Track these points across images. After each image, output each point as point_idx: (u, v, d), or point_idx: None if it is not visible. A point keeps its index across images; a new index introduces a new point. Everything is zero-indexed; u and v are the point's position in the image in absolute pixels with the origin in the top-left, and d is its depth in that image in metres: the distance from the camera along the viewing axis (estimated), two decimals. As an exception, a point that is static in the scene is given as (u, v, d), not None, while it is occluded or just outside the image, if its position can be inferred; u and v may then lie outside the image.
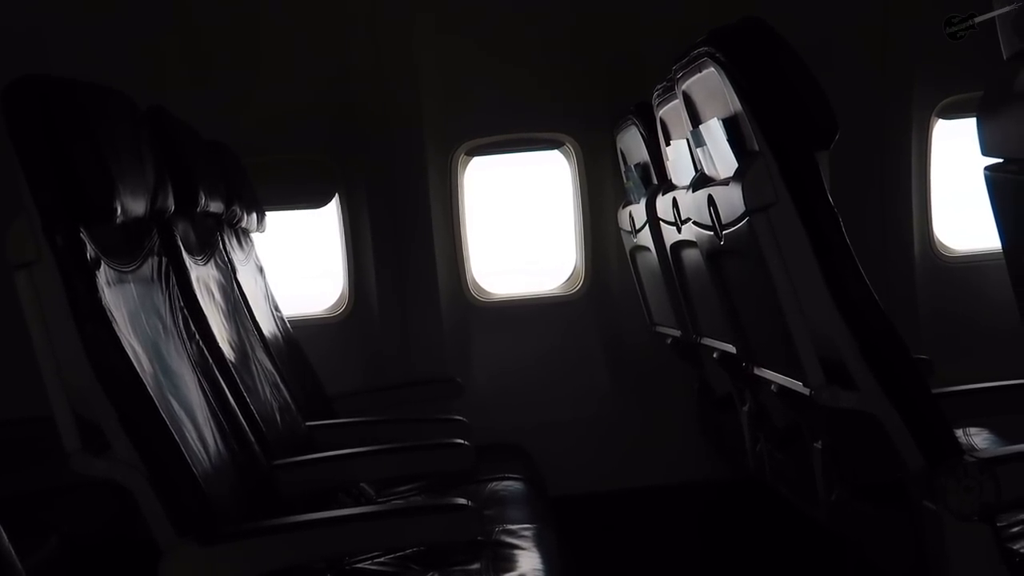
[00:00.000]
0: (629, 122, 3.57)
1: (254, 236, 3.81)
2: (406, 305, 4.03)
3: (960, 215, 4.13)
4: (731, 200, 2.27)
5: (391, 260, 4.01)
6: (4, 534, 1.51)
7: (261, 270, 3.79)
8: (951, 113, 3.97)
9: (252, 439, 2.62)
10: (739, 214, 2.24)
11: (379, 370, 4.02)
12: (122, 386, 2.01)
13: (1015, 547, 2.26)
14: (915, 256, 4.03)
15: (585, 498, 3.96)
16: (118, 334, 2.05)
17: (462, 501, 2.03)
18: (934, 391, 2.83)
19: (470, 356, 4.06)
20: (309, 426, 3.29)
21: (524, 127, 4.01)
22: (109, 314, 2.06)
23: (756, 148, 2.19)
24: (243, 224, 3.60)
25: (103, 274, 2.11)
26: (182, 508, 1.99)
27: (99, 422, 2.02)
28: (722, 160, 2.37)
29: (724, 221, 2.38)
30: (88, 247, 2.08)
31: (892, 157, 3.99)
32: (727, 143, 2.30)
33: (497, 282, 4.16)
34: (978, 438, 3.21)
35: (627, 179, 3.74)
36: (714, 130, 2.35)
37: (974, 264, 3.94)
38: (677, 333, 3.56)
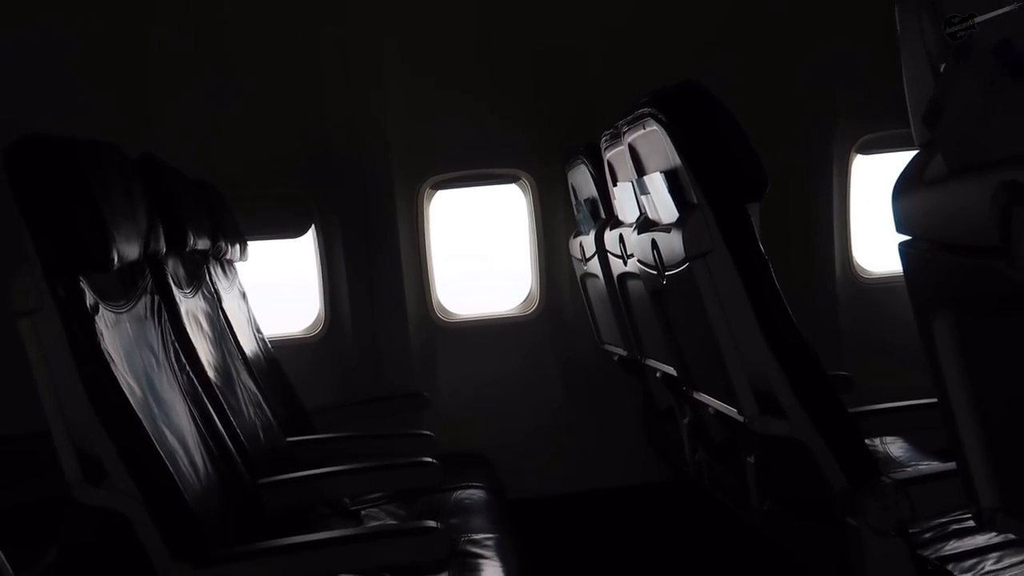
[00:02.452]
0: (579, 161, 3.59)
1: (237, 265, 3.80)
2: (377, 326, 4.03)
3: (876, 239, 4.18)
4: (672, 246, 2.29)
5: (363, 285, 4.01)
6: None
7: (244, 295, 3.78)
8: (868, 149, 4.03)
9: (238, 460, 2.62)
10: (680, 259, 2.27)
11: (353, 386, 4.02)
12: (119, 422, 2.01)
13: (926, 554, 2.32)
14: (837, 278, 4.07)
15: (542, 500, 3.98)
16: (115, 373, 2.05)
17: (432, 524, 2.05)
18: (856, 409, 2.90)
19: (436, 372, 4.06)
20: (290, 442, 3.28)
21: (483, 164, 4.02)
22: (107, 355, 2.07)
23: (694, 200, 2.21)
24: (227, 256, 3.60)
25: (101, 318, 2.11)
26: (176, 534, 2.00)
27: (98, 455, 2.03)
28: (664, 208, 2.40)
29: (666, 263, 2.41)
30: (87, 294, 2.08)
31: (816, 189, 4.03)
32: (668, 194, 2.33)
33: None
34: (893, 447, 3.27)
35: (578, 212, 3.76)
36: (657, 182, 2.38)
37: (889, 285, 3.99)
38: (623, 352, 3.57)
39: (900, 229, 1.36)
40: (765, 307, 2.17)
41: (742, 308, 2.17)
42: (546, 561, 3.92)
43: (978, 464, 1.36)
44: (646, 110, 2.31)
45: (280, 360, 3.79)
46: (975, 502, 1.39)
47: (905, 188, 1.33)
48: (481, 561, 2.60)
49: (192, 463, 2.31)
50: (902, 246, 1.36)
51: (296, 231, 4.05)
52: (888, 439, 3.23)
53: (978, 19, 1.76)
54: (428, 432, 3.43)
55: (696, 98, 2.22)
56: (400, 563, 2.29)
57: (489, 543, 2.75)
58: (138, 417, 2.04)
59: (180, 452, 2.26)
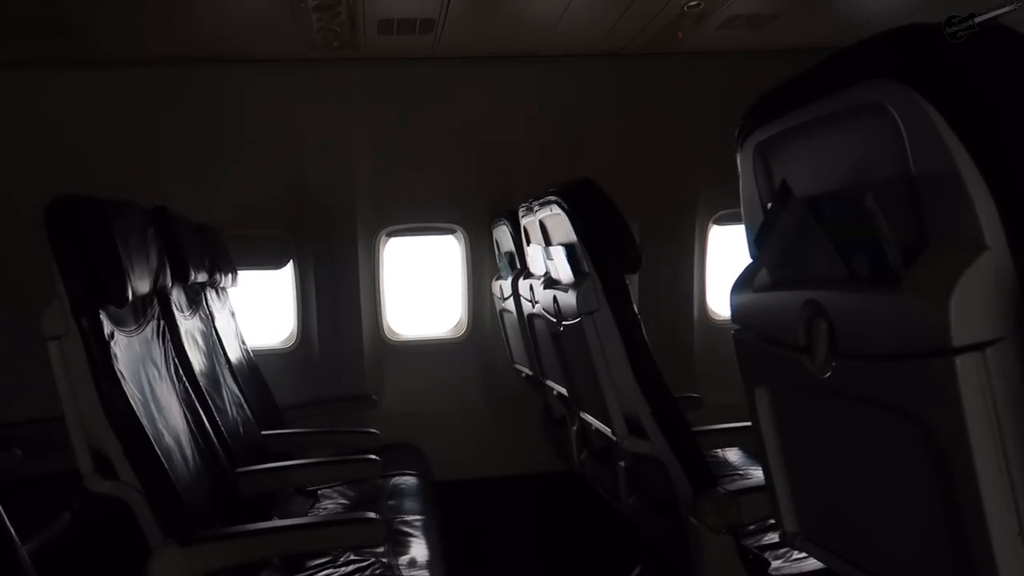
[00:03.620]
0: (502, 222, 3.61)
1: (229, 290, 3.76)
2: (338, 341, 4.00)
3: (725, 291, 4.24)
4: (569, 303, 2.32)
5: (328, 309, 3.99)
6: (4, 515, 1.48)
7: (233, 314, 3.73)
8: (722, 222, 4.10)
9: (221, 453, 2.58)
10: (574, 313, 2.29)
11: (317, 387, 3.98)
12: (126, 427, 1.99)
13: (748, 543, 2.37)
14: (695, 320, 4.13)
15: (462, 483, 3.98)
16: (124, 387, 2.02)
17: (373, 516, 2.04)
18: (702, 428, 2.96)
19: (383, 379, 4.04)
20: (264, 435, 3.24)
21: (427, 219, 4.02)
22: (119, 373, 2.03)
23: (587, 270, 2.24)
24: (221, 284, 3.55)
25: (115, 343, 2.08)
26: (167, 518, 1.97)
27: (107, 453, 2.00)
28: (564, 272, 2.42)
29: (563, 315, 2.43)
30: (105, 324, 2.05)
31: (682, 251, 4.10)
32: (567, 262, 2.36)
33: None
34: (731, 455, 3.32)
35: (499, 261, 3.78)
36: (559, 252, 2.41)
37: (732, 327, 4.07)
38: (529, 372, 3.59)
39: (734, 320, 1.40)
40: (636, 355, 2.21)
41: (619, 355, 2.21)
42: (463, 534, 3.93)
43: (784, 498, 1.41)
44: (554, 198, 2.34)
45: (260, 366, 3.75)
46: (781, 526, 1.43)
47: (739, 290, 1.37)
48: (411, 539, 2.59)
49: (183, 457, 2.28)
50: (735, 333, 1.40)
51: (278, 264, 4.01)
52: (728, 450, 3.28)
53: (978, 19, 1.76)
54: (374, 430, 3.43)
55: (591, 193, 2.25)
56: (347, 546, 2.30)
57: (418, 524, 2.74)
58: (141, 424, 2.01)
59: (174, 449, 2.23)
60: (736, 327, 1.39)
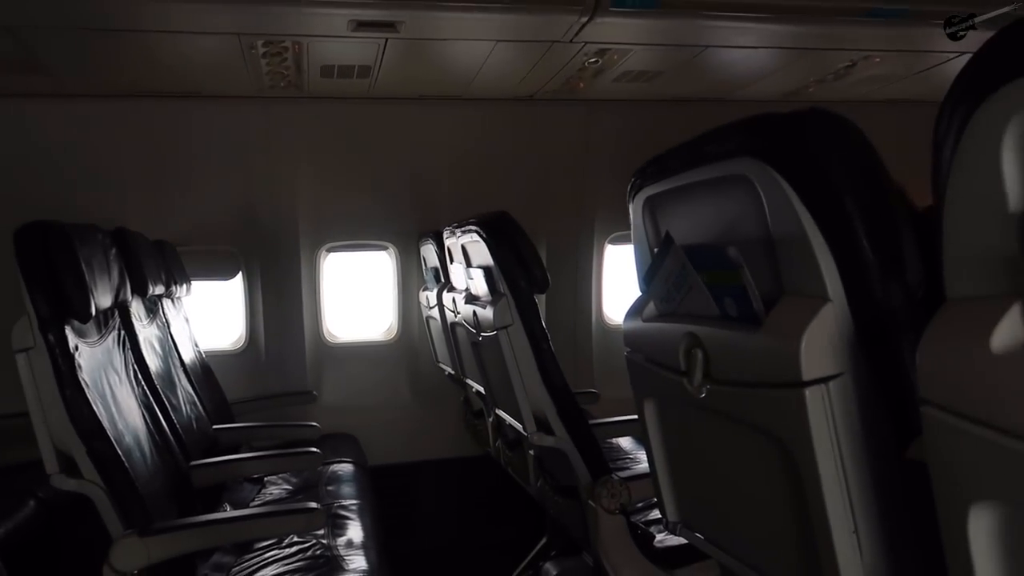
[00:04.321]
0: (428, 240, 3.60)
1: (184, 299, 3.64)
2: (282, 344, 3.91)
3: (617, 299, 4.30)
4: (486, 318, 2.32)
5: (274, 315, 3.89)
6: None
7: (187, 320, 3.62)
8: (616, 242, 4.16)
9: (176, 449, 2.50)
10: (491, 327, 2.30)
11: (263, 385, 3.89)
12: (89, 432, 1.91)
13: (637, 519, 2.42)
14: (593, 323, 4.19)
15: (394, 467, 3.95)
16: (88, 394, 1.95)
17: (314, 505, 2.01)
18: (600, 420, 3.01)
19: (322, 377, 3.97)
20: (215, 429, 3.16)
21: (362, 237, 3.96)
22: (83, 381, 1.96)
23: (502, 290, 2.25)
24: (177, 294, 3.44)
25: (79, 354, 2.00)
26: (128, 511, 1.91)
27: (72, 454, 1.92)
28: (482, 290, 2.43)
29: (482, 328, 2.43)
30: (70, 337, 1.97)
31: (581, 266, 4.15)
32: (485, 283, 2.37)
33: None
34: (624, 442, 3.39)
35: (425, 274, 3.77)
36: (478, 273, 2.42)
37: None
38: (451, 371, 3.59)
39: (626, 343, 1.43)
40: (544, 363, 2.23)
41: (529, 363, 2.23)
42: (395, 512, 3.91)
43: (667, 492, 1.45)
44: (474, 227, 2.35)
45: (212, 366, 3.65)
46: (664, 515, 1.48)
47: (631, 318, 1.41)
48: (348, 522, 2.56)
49: (142, 455, 2.21)
50: (627, 354, 1.43)
51: (228, 276, 3.90)
52: (621, 439, 3.34)
53: (978, 19, 1.73)
54: (315, 423, 3.38)
55: (507, 224, 2.26)
56: (291, 533, 2.26)
57: (354, 508, 2.71)
58: (103, 427, 1.94)
59: (134, 447, 2.16)
60: (628, 349, 1.42)
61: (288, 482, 3.11)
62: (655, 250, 1.32)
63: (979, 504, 0.72)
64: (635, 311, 1.40)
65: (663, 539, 2.27)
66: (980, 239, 0.71)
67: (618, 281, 4.22)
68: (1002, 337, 0.68)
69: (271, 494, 2.99)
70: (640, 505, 2.54)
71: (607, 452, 3.15)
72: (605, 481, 2.17)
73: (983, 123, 0.68)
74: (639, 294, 1.43)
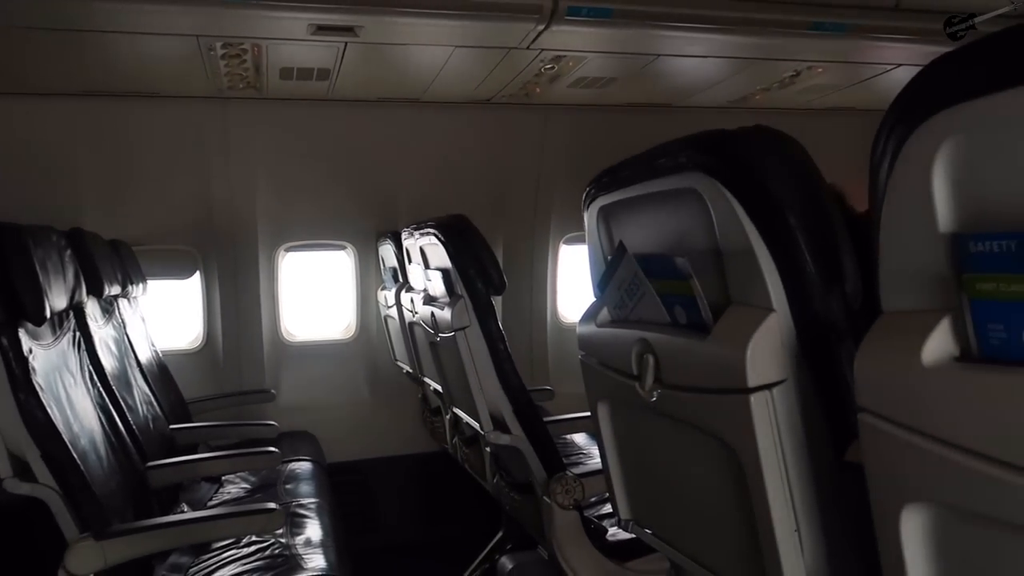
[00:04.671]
0: (387, 240, 3.58)
1: (140, 298, 3.56)
2: (240, 342, 3.86)
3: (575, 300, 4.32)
4: (444, 319, 2.32)
5: (231, 314, 3.83)
6: None
7: (143, 319, 3.54)
8: (571, 242, 4.18)
9: (132, 450, 2.45)
10: (448, 328, 2.29)
11: (221, 384, 3.83)
12: (43, 435, 1.86)
13: (590, 514, 2.45)
14: (548, 323, 4.21)
15: (352, 463, 3.93)
16: (42, 397, 1.90)
17: (272, 506, 1.99)
18: (555, 418, 3.03)
19: (280, 376, 3.92)
20: (172, 429, 3.09)
21: (321, 237, 3.92)
22: (37, 384, 1.91)
23: (460, 292, 2.24)
24: (133, 293, 3.36)
25: (34, 357, 1.95)
26: (83, 515, 1.86)
27: (26, 458, 1.87)
28: (440, 292, 2.43)
29: (440, 328, 2.43)
30: (24, 340, 1.91)
31: (537, 266, 4.16)
32: (443, 284, 2.36)
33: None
34: (578, 438, 3.42)
35: (384, 274, 3.75)
36: (436, 275, 2.41)
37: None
38: (409, 369, 3.58)
39: (581, 347, 1.44)
40: (500, 363, 2.23)
41: (486, 363, 2.23)
42: (355, 507, 3.88)
43: (619, 490, 1.48)
44: (432, 230, 2.34)
45: (169, 366, 3.57)
46: (617, 513, 1.50)
47: (585, 322, 1.42)
48: (306, 521, 2.54)
49: (98, 457, 2.16)
50: (582, 357, 1.45)
51: (185, 275, 3.82)
52: (576, 435, 3.37)
53: (978, 19, 1.73)
54: (273, 422, 3.34)
55: (464, 228, 2.26)
56: (249, 533, 2.23)
57: (312, 506, 2.68)
58: (58, 430, 1.89)
59: (89, 450, 2.11)
60: (582, 353, 1.44)
61: (246, 481, 3.07)
62: (609, 258, 1.34)
63: (911, 506, 0.75)
64: (589, 316, 1.41)
65: (615, 533, 2.30)
66: (912, 257, 0.74)
67: (573, 280, 4.25)
68: (931, 351, 0.71)
69: (229, 493, 2.94)
70: (593, 500, 2.56)
71: (562, 448, 3.18)
72: (560, 478, 2.19)
73: (915, 149, 0.71)
74: (593, 298, 1.44)
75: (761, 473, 0.98)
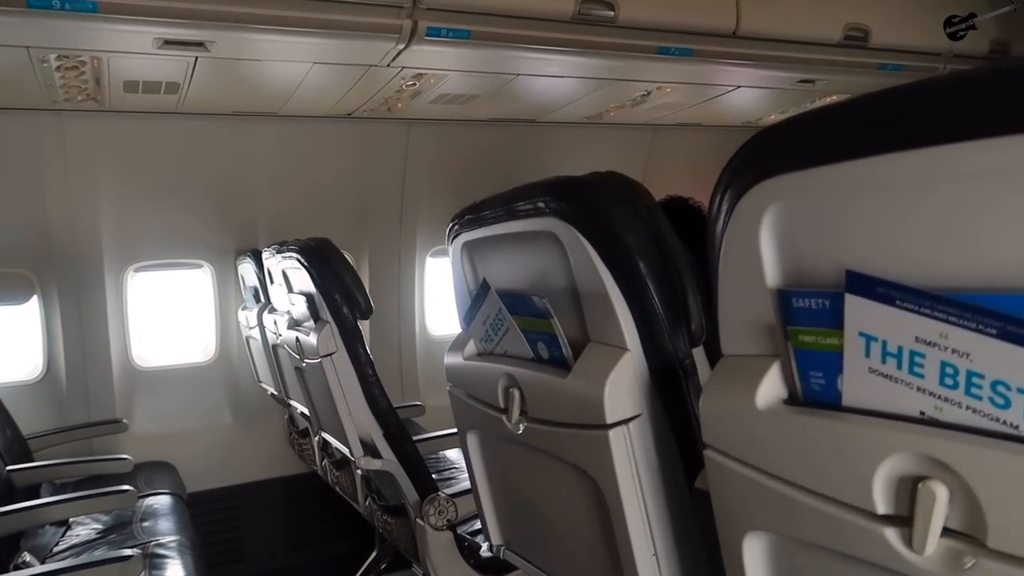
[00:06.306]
0: (246, 258, 3.45)
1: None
2: (87, 371, 3.60)
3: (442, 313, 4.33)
4: (310, 345, 2.27)
5: (76, 341, 3.56)
6: None
7: (-29, 351, 3.25)
8: (437, 255, 4.16)
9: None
10: (315, 354, 2.25)
11: (66, 416, 3.55)
12: None
13: (462, 531, 2.47)
14: (417, 336, 4.19)
15: (214, 492, 3.76)
16: None
17: (129, 552, 1.88)
18: (426, 436, 3.03)
19: (133, 404, 3.69)
20: (9, 471, 2.84)
21: (174, 255, 3.72)
22: None
23: (326, 318, 2.21)
24: (-41, 324, 3.07)
25: None
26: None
27: None
28: (304, 315, 2.39)
29: (305, 354, 2.38)
30: None
31: (402, 280, 4.13)
32: (307, 309, 2.32)
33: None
34: (450, 453, 3.37)
35: (244, 293, 3.62)
36: (299, 299, 2.36)
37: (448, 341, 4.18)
38: (274, 391, 3.48)
39: (449, 379, 1.47)
40: (369, 388, 2.22)
41: (354, 389, 2.21)
42: (219, 537, 3.72)
43: (490, 517, 1.51)
44: (295, 254, 2.29)
45: (3, 400, 3.28)
46: (488, 539, 1.53)
47: (452, 353, 1.44)
48: (167, 561, 2.41)
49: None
50: (450, 388, 1.47)
51: (21, 300, 3.52)
52: (448, 451, 3.37)
53: (977, 19, 1.74)
54: (126, 456, 3.13)
55: (328, 251, 2.23)
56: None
57: (173, 544, 2.55)
58: None
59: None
60: (451, 384, 1.46)
61: (98, 520, 2.87)
62: (473, 292, 1.37)
63: (752, 534, 0.82)
64: (456, 347, 1.43)
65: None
66: (746, 307, 0.81)
67: (440, 293, 4.26)
68: (764, 394, 0.78)
69: (78, 536, 2.75)
70: (468, 517, 2.61)
71: (434, 464, 3.19)
72: (432, 499, 2.20)
73: (745, 212, 0.78)
74: (459, 332, 1.47)
75: (620, 502, 1.04)
